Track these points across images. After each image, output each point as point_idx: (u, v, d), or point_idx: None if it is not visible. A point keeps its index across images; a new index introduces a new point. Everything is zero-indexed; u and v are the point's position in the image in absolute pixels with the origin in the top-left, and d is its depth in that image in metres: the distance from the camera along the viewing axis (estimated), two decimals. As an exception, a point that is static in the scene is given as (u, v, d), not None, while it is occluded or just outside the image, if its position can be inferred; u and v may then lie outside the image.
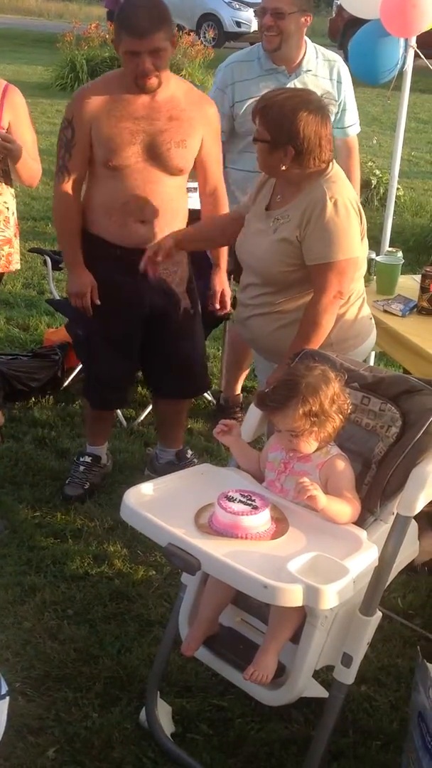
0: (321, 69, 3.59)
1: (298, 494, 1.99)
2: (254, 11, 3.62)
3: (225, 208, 3.28)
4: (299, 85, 3.48)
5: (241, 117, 3.50)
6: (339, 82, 3.64)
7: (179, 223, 3.12)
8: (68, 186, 3.05)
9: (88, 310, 3.14)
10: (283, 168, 2.61)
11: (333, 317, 2.67)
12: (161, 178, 3.00)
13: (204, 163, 3.12)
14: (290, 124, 2.54)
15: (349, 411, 2.11)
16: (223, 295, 3.37)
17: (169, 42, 2.84)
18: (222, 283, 3.37)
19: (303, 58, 3.54)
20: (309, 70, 3.55)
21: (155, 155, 2.96)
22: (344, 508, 2.02)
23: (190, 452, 3.62)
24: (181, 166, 3.02)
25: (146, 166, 2.97)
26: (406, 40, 3.98)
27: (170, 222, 3.07)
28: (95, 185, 3.07)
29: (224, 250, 3.31)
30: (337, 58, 3.67)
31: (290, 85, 3.49)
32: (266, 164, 2.67)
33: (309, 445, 2.08)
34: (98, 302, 3.14)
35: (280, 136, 2.56)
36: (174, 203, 3.08)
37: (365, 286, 3.03)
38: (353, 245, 2.63)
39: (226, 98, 3.52)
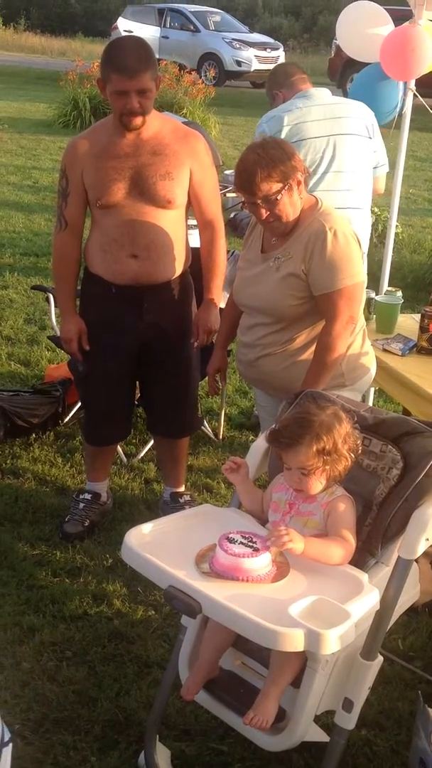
0: None
1: (274, 544, 1.96)
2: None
3: (221, 243, 3.23)
4: None
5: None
6: None
7: (177, 258, 3.13)
8: (65, 233, 3.18)
9: (76, 355, 3.26)
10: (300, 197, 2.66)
11: (346, 342, 2.73)
12: (151, 212, 3.03)
13: (197, 196, 3.13)
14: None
15: (360, 451, 2.12)
16: (197, 326, 3.23)
17: (154, 83, 2.91)
18: (201, 313, 3.23)
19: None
20: None
21: (142, 190, 3.00)
22: (330, 550, 2.01)
23: (187, 497, 3.58)
24: (170, 198, 3.03)
25: (134, 201, 3.02)
26: (405, 83, 4.06)
27: (164, 256, 3.09)
28: (94, 227, 3.15)
29: (216, 282, 3.24)
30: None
31: None
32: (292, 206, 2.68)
33: (318, 484, 2.07)
34: (87, 347, 3.22)
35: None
36: (168, 237, 3.08)
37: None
38: (357, 270, 2.69)
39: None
